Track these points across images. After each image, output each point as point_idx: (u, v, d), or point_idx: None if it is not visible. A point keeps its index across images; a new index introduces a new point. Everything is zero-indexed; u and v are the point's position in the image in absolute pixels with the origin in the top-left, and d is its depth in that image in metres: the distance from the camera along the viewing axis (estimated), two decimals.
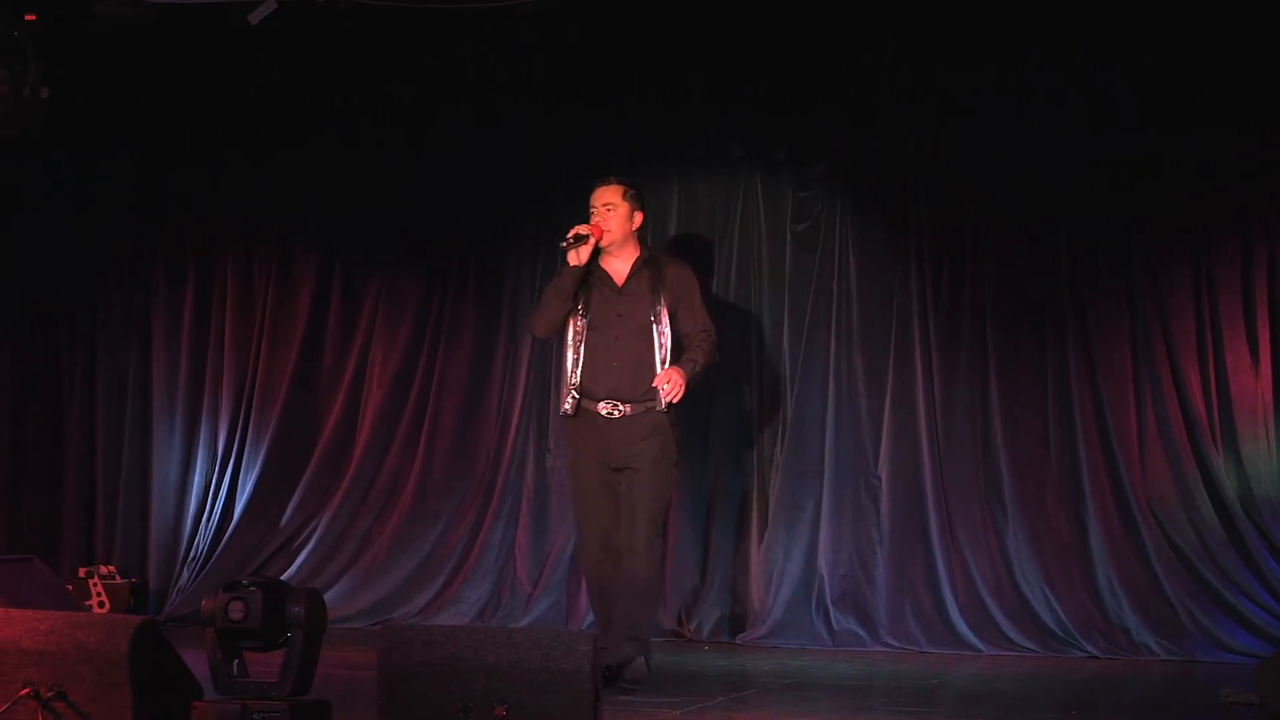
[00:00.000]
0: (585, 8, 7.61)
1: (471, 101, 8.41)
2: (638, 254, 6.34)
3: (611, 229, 6.24)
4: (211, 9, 7.47)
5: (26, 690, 4.29)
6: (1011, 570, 7.71)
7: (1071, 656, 7.48)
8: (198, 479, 8.70)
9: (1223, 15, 7.36)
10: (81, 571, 8.37)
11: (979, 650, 7.60)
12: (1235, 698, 5.85)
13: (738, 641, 7.88)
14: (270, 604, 4.32)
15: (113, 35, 7.90)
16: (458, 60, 8.28)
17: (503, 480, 8.34)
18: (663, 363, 6.17)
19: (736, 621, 8.00)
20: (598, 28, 7.88)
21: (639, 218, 6.33)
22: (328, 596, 7.52)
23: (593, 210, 6.28)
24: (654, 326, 6.21)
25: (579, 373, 6.20)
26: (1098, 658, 7.46)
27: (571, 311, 6.24)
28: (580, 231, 6.17)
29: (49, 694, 4.29)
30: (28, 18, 7.00)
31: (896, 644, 7.70)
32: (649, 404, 6.14)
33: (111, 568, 8.50)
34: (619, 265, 6.31)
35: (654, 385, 6.12)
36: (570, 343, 6.23)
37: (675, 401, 6.13)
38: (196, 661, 4.51)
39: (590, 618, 7.10)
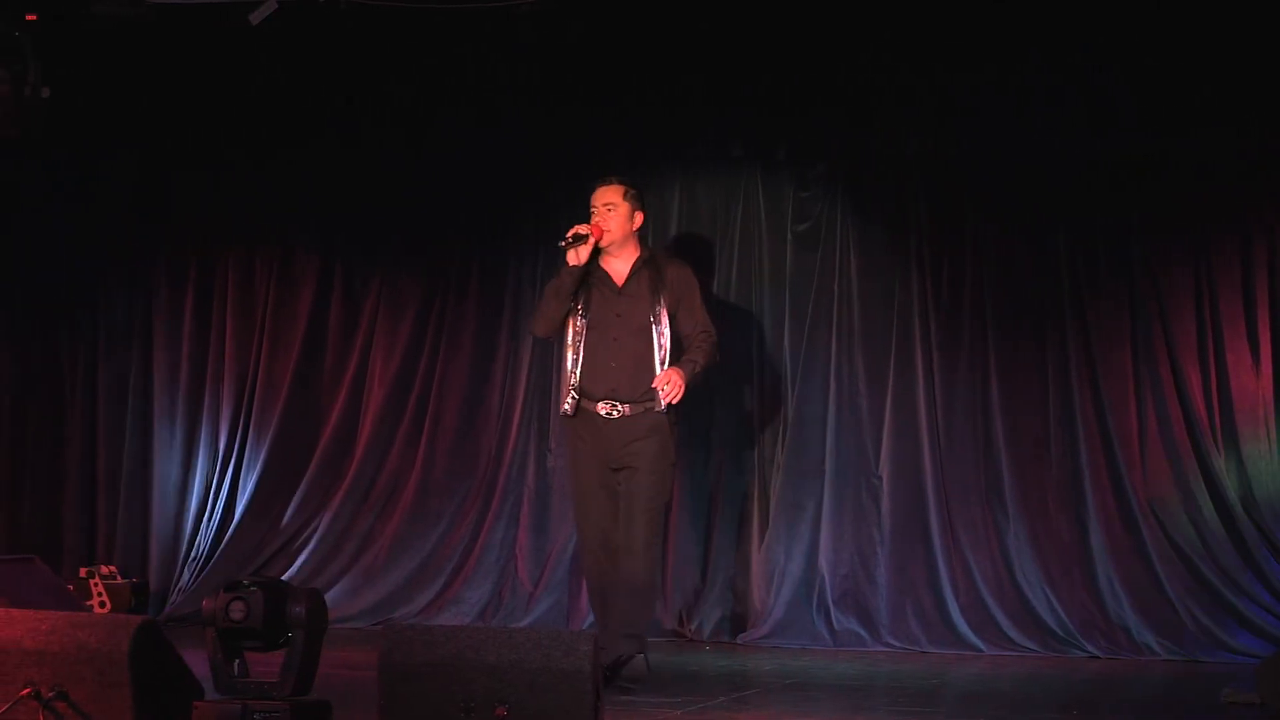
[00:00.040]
0: (585, 8, 7.61)
1: (472, 101, 8.41)
2: (638, 254, 6.33)
3: (611, 229, 6.24)
4: (212, 9, 7.47)
5: (28, 690, 4.29)
6: (1012, 570, 7.71)
7: (1072, 656, 7.48)
8: (199, 479, 8.70)
9: (1222, 15, 7.36)
10: (82, 571, 8.37)
11: (980, 650, 7.60)
12: (1236, 697, 5.85)
13: (739, 641, 7.88)
14: (271, 604, 4.32)
15: (113, 35, 7.89)
16: (458, 60, 8.28)
17: (504, 480, 8.34)
18: (662, 363, 6.17)
19: (737, 621, 8.00)
20: (597, 28, 7.88)
21: (639, 218, 6.32)
22: (329, 596, 7.56)
23: (593, 210, 6.28)
24: (653, 327, 6.20)
25: (578, 373, 6.19)
26: (1099, 658, 7.46)
27: (571, 311, 6.24)
28: (579, 231, 6.17)
29: (50, 694, 4.29)
30: (28, 18, 7.01)
31: (897, 644, 7.70)
32: (648, 404, 6.14)
33: (112, 568, 8.50)
34: (619, 265, 6.30)
35: (653, 386, 6.11)
36: (570, 343, 6.23)
37: (674, 403, 6.13)
38: (197, 661, 4.51)
39: (591, 618, 7.11)
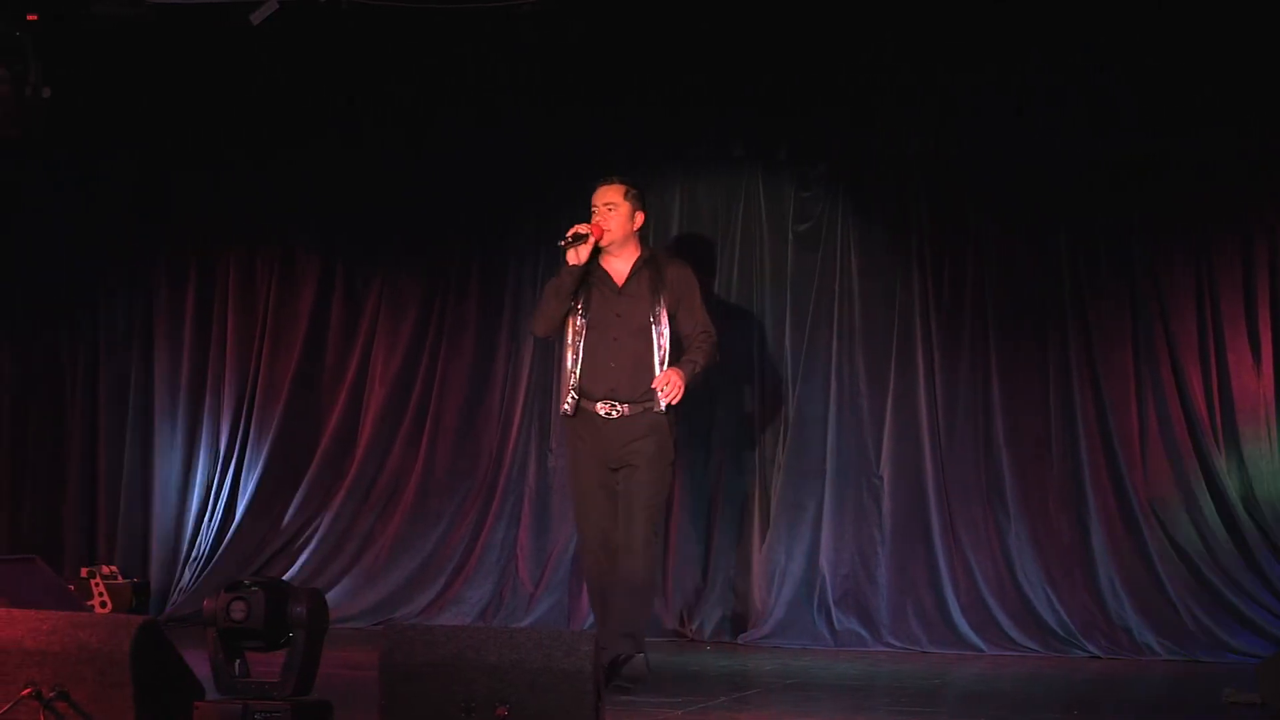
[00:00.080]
0: (586, 8, 7.61)
1: (472, 101, 8.41)
2: (638, 254, 6.32)
3: (612, 228, 6.22)
4: (213, 9, 7.47)
5: (29, 690, 4.29)
6: (1013, 570, 7.71)
7: (1073, 656, 7.48)
8: (199, 479, 8.70)
9: (1223, 15, 7.36)
10: (83, 571, 8.36)
11: (981, 650, 7.59)
12: (1237, 698, 5.85)
13: (739, 641, 7.88)
14: (272, 604, 4.32)
15: (114, 35, 7.90)
16: (458, 60, 8.28)
17: (505, 480, 8.34)
18: (661, 364, 6.16)
19: (738, 621, 8.00)
20: (598, 28, 7.88)
21: (640, 218, 6.31)
22: (330, 596, 7.56)
23: (594, 209, 6.27)
24: (653, 327, 6.19)
25: (578, 372, 6.19)
26: (1100, 658, 7.45)
27: (571, 311, 6.23)
28: (579, 230, 6.16)
29: (51, 694, 4.29)
30: (29, 18, 7.01)
31: (898, 644, 7.70)
32: (647, 405, 6.13)
33: (113, 568, 8.49)
34: (619, 265, 6.30)
35: (653, 387, 6.11)
36: (569, 342, 6.22)
37: (674, 404, 6.13)
38: (198, 661, 4.50)
39: (592, 618, 7.10)
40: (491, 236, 8.55)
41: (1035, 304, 7.88)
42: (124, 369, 8.86)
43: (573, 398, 6.19)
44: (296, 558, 8.45)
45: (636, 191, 6.29)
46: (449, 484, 8.44)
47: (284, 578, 7.64)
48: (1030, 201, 7.87)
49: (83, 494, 8.83)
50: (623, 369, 6.16)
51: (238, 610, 4.29)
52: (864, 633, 7.77)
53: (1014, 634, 7.61)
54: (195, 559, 8.56)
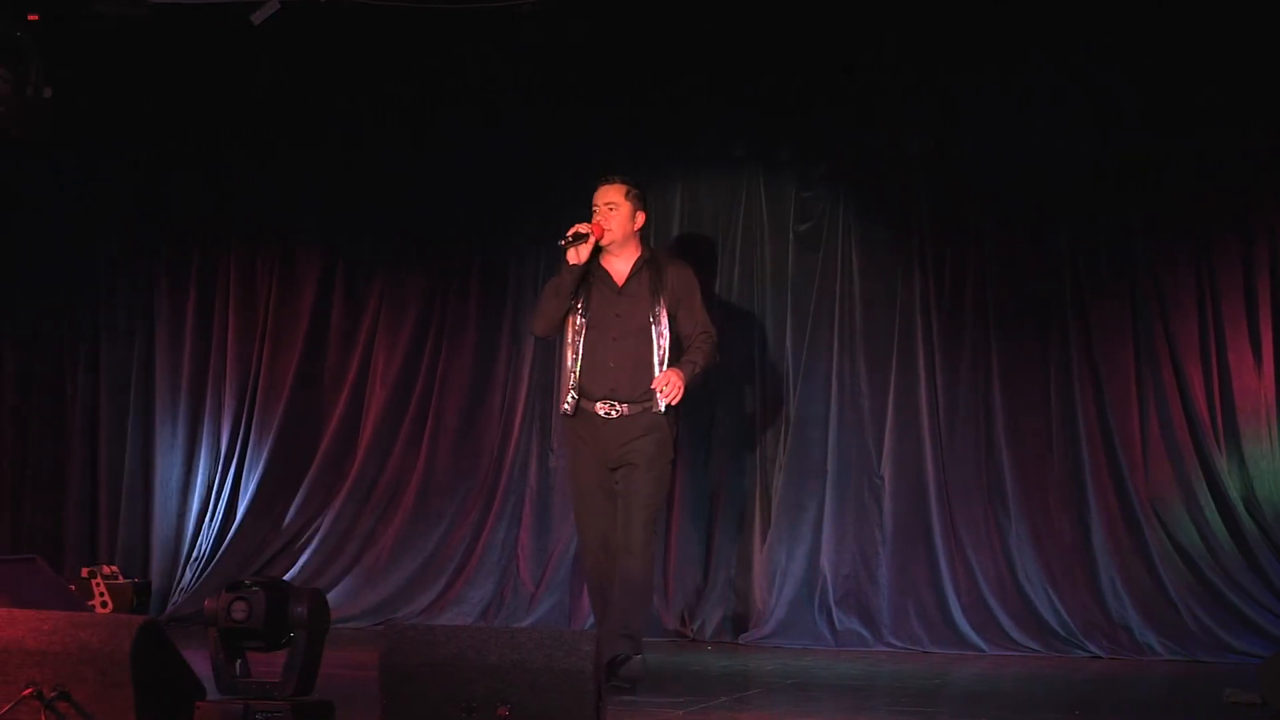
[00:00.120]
0: (587, 8, 7.62)
1: (474, 101, 8.42)
2: (639, 254, 6.31)
3: (612, 228, 6.22)
4: (214, 9, 7.48)
5: (30, 690, 4.28)
6: (1014, 570, 7.71)
7: (1074, 657, 7.48)
8: (200, 479, 8.70)
9: (1224, 15, 7.36)
10: (84, 571, 8.36)
11: (982, 650, 7.60)
12: (1238, 698, 5.85)
13: (740, 641, 7.88)
14: (273, 604, 4.32)
15: (115, 35, 7.90)
16: (460, 60, 8.28)
17: (506, 480, 8.35)
18: (661, 364, 6.15)
19: (739, 621, 8.00)
20: (600, 28, 7.88)
21: (641, 218, 6.30)
22: (330, 596, 7.57)
23: (595, 209, 6.26)
24: (653, 327, 6.18)
25: (578, 372, 6.19)
26: (1101, 658, 7.46)
27: (571, 310, 6.22)
28: (580, 230, 6.14)
29: (52, 694, 4.29)
30: (30, 18, 7.01)
31: (899, 644, 7.70)
32: (646, 405, 6.12)
33: (114, 567, 8.49)
34: (620, 265, 6.29)
35: (652, 387, 6.10)
36: (569, 342, 6.22)
37: (673, 404, 6.12)
38: (199, 661, 4.51)
39: (593, 618, 7.10)
40: (492, 236, 8.55)
41: (1036, 304, 7.88)
42: (125, 369, 8.86)
43: (572, 397, 6.18)
44: (298, 558, 8.45)
45: (637, 191, 6.28)
46: (450, 484, 8.44)
47: (285, 578, 7.64)
48: (1031, 201, 7.87)
49: (83, 494, 8.83)
50: (622, 369, 6.15)
51: (239, 610, 4.30)
52: (865, 633, 7.77)
53: (1015, 634, 7.61)
54: (196, 559, 8.56)
